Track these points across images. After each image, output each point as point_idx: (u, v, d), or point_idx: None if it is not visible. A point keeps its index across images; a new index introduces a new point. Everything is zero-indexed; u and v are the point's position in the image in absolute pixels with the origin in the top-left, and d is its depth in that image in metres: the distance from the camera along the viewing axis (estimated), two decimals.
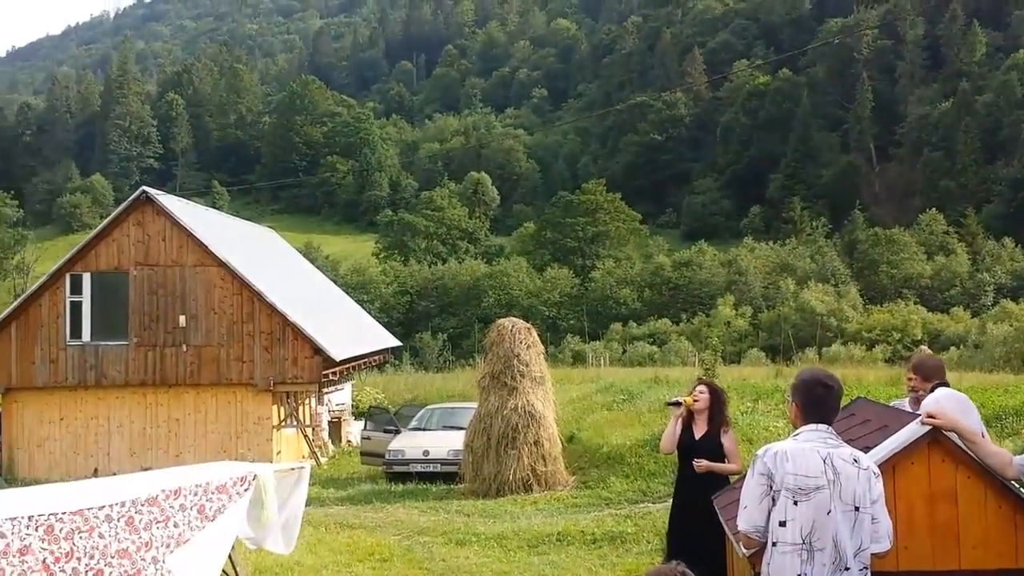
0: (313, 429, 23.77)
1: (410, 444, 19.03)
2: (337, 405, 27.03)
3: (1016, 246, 67.09)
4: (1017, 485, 4.47)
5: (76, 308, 21.76)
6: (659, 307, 65.76)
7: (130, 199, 22.28)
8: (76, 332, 21.77)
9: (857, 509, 3.86)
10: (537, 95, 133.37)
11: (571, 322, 63.72)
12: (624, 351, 54.64)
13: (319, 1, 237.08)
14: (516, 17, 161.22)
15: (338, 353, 22.35)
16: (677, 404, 7.50)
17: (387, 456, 19.05)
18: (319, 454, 22.88)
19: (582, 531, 12.11)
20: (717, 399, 7.34)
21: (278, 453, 21.87)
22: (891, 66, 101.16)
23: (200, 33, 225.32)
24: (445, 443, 18.73)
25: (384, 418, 21.58)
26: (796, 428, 4.14)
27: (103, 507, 5.69)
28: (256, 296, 21.73)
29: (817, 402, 4.07)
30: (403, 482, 18.18)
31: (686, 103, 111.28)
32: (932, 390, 5.40)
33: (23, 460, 21.79)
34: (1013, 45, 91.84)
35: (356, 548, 11.83)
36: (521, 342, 17.01)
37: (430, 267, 76.24)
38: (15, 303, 23.09)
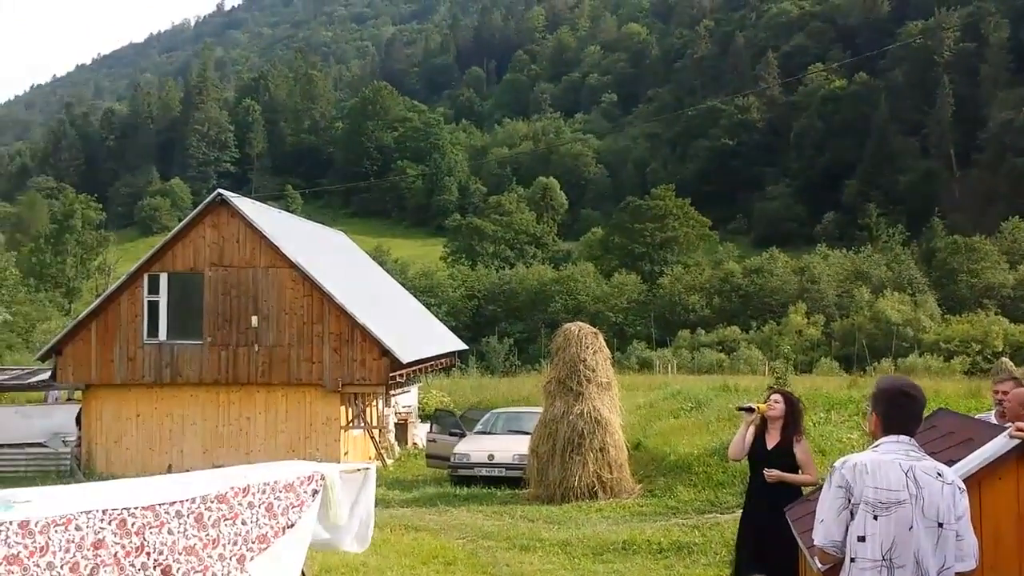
0: (380, 431, 23.91)
1: (475, 448, 19.04)
2: (404, 407, 27.17)
3: None
4: None
5: (153, 307, 22.21)
6: (728, 314, 64.84)
7: (206, 202, 22.68)
8: (153, 331, 22.21)
9: (941, 525, 3.70)
10: (607, 100, 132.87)
11: (638, 328, 63.24)
12: (692, 358, 54.00)
13: (392, 8, 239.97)
14: (587, 22, 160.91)
15: (405, 355, 22.44)
16: (749, 410, 7.32)
17: (452, 459, 19.09)
18: (385, 455, 22.99)
19: (648, 540, 11.97)
20: (793, 408, 7.17)
21: (345, 454, 22.02)
22: (974, 69, 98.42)
23: (277, 40, 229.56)
24: (510, 447, 18.71)
25: (450, 421, 21.63)
26: (876, 439, 3.98)
27: (174, 503, 5.74)
28: (326, 298, 21.93)
29: (899, 412, 3.91)
30: (468, 486, 18.22)
31: (759, 107, 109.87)
32: None
33: (101, 456, 22.28)
34: None
35: (420, 551, 11.83)
36: (587, 347, 16.90)
37: (497, 272, 76.27)
38: (95, 302, 23.65)
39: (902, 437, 3.87)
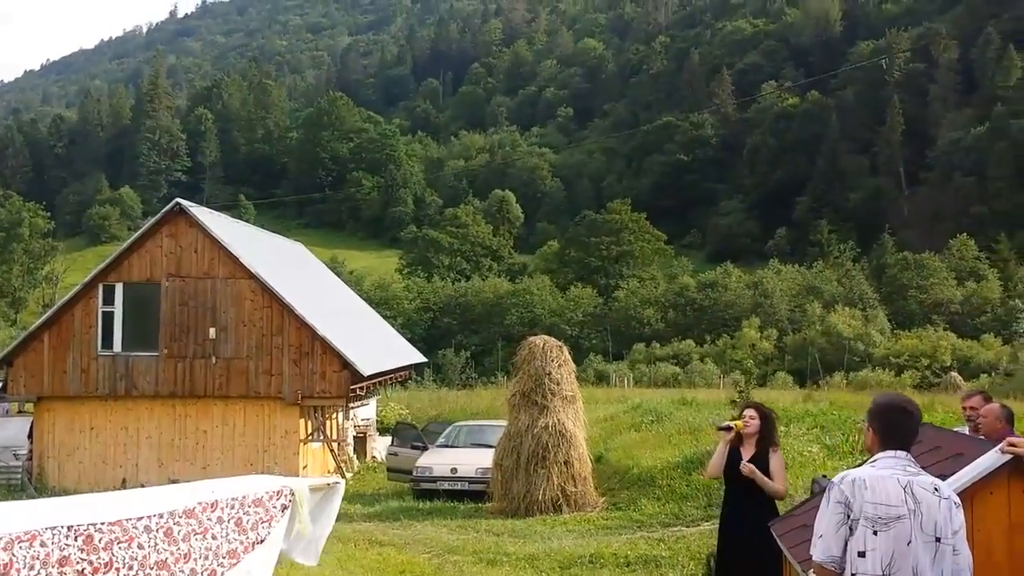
0: (339, 444, 23.70)
1: (438, 461, 18.93)
2: (362, 420, 26.98)
3: None
4: None
5: (108, 318, 21.81)
6: (683, 328, 65.34)
7: (163, 211, 22.37)
8: (108, 342, 21.81)
9: (938, 540, 3.72)
10: (563, 114, 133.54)
11: (594, 341, 63.48)
12: (648, 372, 54.31)
13: (348, 18, 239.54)
14: (543, 36, 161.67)
15: (366, 368, 22.29)
16: (728, 429, 7.37)
17: (415, 473, 18.96)
18: (344, 469, 22.79)
19: (615, 554, 11.97)
20: (767, 421, 7.22)
21: (304, 467, 21.80)
22: (923, 89, 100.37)
23: (230, 49, 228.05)
24: (473, 461, 18.63)
25: (411, 434, 21.50)
26: (872, 455, 4.01)
27: (141, 518, 5.64)
28: (286, 309, 21.72)
29: (896, 428, 3.94)
30: (430, 499, 18.11)
31: (713, 124, 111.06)
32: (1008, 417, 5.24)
33: (53, 469, 21.81)
34: None
35: (386, 566, 11.74)
36: (552, 360, 16.90)
37: (453, 284, 76.25)
38: (49, 312, 23.21)
39: (899, 452, 3.89)
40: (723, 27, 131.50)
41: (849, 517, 3.79)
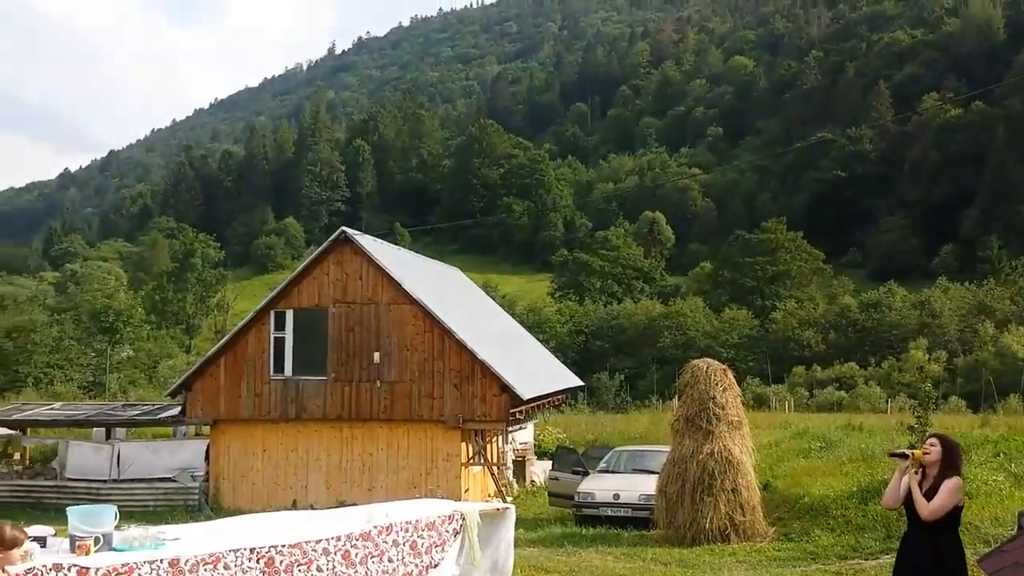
0: (499, 468, 23.80)
1: (600, 487, 18.70)
2: (521, 444, 27.02)
3: None
4: None
5: (279, 343, 22.59)
6: (845, 350, 63.14)
7: (330, 239, 23.06)
8: (279, 367, 22.59)
9: None
10: (712, 133, 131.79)
11: (750, 364, 61.94)
12: (810, 395, 52.65)
13: (497, 48, 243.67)
14: (692, 56, 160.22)
15: (525, 392, 22.33)
16: (904, 456, 6.93)
17: (576, 498, 18.77)
18: (504, 493, 22.85)
19: None
20: (948, 452, 6.64)
21: (466, 491, 21.96)
22: None
23: (385, 82, 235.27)
24: (635, 487, 18.33)
25: (572, 459, 21.35)
26: None
27: (320, 540, 5.75)
28: (446, 334, 22.00)
29: None
30: (593, 525, 17.89)
31: (871, 138, 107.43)
32: None
33: (227, 490, 22.68)
34: None
35: None
36: (717, 384, 16.46)
37: (605, 307, 75.95)
38: (224, 339, 24.20)
39: None
40: (879, 39, 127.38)
41: None
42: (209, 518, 19.93)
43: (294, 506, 21.10)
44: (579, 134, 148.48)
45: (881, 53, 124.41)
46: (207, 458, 23.27)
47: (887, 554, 13.06)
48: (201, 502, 22.58)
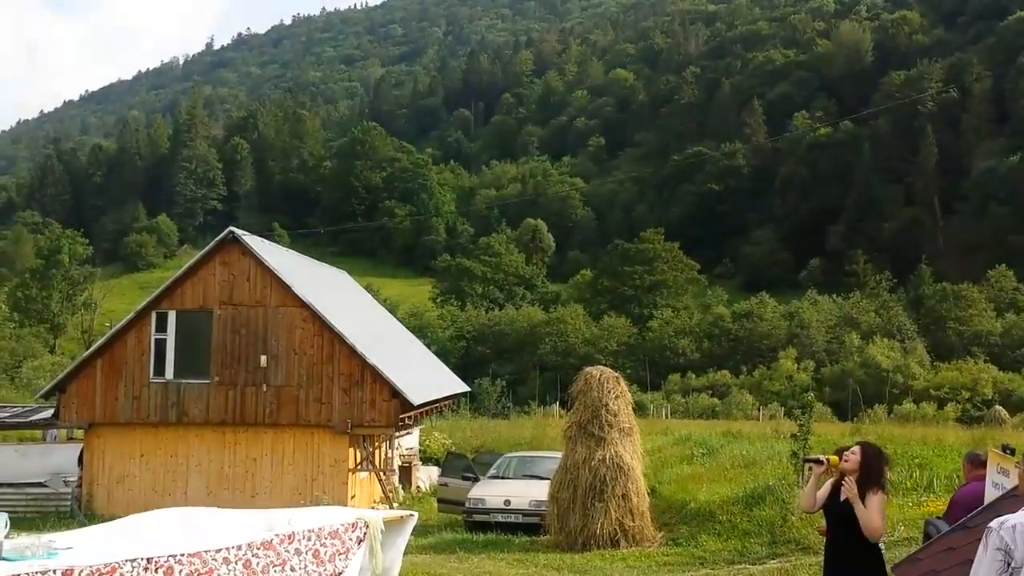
0: (386, 473, 23.60)
1: (490, 493, 18.74)
2: (407, 449, 26.87)
3: None
4: None
5: (160, 345, 21.91)
6: (719, 358, 65.05)
7: (217, 239, 22.48)
8: (160, 369, 21.90)
9: None
10: (594, 144, 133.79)
11: (628, 371, 62.88)
12: (686, 402, 53.96)
13: (381, 50, 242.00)
14: (574, 67, 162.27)
15: (415, 397, 22.21)
16: (819, 462, 7.09)
17: (467, 504, 18.78)
18: (391, 499, 22.68)
19: None
20: (868, 460, 6.72)
21: (352, 497, 21.72)
22: (956, 119, 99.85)
23: (265, 80, 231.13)
24: (526, 493, 18.42)
25: (462, 464, 21.33)
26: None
27: (220, 550, 5.58)
28: (336, 338, 21.72)
29: None
30: (484, 531, 17.91)
31: (745, 154, 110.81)
32: None
33: (102, 496, 21.85)
34: None
35: None
36: (609, 391, 16.72)
37: (487, 312, 76.31)
38: (102, 339, 23.35)
39: None
40: (753, 57, 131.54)
41: (1010, 565, 3.56)
42: (82, 525, 19.17)
43: None
44: (462, 140, 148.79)
45: (755, 71, 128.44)
46: (81, 463, 22.38)
47: (774, 559, 13.47)
48: (74, 508, 21.69)
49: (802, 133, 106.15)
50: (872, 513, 6.60)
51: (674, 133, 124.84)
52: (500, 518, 18.18)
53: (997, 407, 44.10)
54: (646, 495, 16.61)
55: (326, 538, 6.28)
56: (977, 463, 8.32)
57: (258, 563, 5.76)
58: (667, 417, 44.37)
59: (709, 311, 72.81)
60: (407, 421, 22.77)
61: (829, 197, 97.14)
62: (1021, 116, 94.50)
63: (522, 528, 17.86)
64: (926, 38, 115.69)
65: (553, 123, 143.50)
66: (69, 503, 21.96)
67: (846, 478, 6.65)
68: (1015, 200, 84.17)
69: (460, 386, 30.91)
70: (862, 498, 6.67)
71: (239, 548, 5.69)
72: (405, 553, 16.10)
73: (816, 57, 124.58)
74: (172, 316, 22.00)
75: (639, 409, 47.64)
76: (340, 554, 6.41)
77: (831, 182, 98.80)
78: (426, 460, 28.54)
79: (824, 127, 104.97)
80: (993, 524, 3.70)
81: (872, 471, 6.75)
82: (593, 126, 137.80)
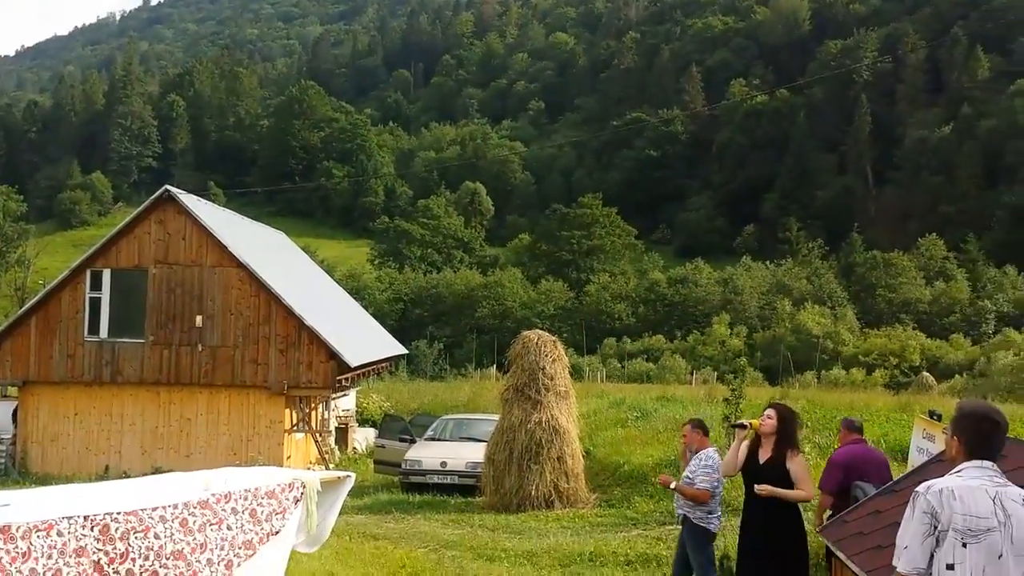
0: (322, 434, 23.60)
1: (427, 454, 18.85)
2: (343, 411, 26.86)
3: (1019, 273, 66.38)
4: None
5: (95, 304, 21.61)
6: (653, 323, 65.70)
7: (152, 198, 22.15)
8: (94, 328, 21.63)
9: None
10: (534, 107, 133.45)
11: (564, 335, 63.26)
12: (621, 366, 54.51)
13: (319, 8, 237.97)
14: (515, 30, 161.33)
15: (352, 359, 22.20)
16: (743, 427, 7.31)
17: (404, 466, 18.87)
18: (327, 460, 22.72)
19: (615, 552, 11.91)
20: (784, 422, 7.06)
21: (288, 457, 21.71)
22: (891, 89, 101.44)
23: (202, 36, 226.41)
24: (463, 455, 18.57)
25: (399, 426, 21.40)
26: (956, 464, 3.90)
27: (157, 508, 5.61)
28: (273, 299, 21.59)
29: (983, 438, 3.84)
30: (420, 493, 18.04)
31: (683, 120, 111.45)
32: None
33: (36, 454, 21.58)
34: (1018, 70, 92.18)
35: (385, 560, 11.62)
36: (547, 355, 16.89)
37: (425, 275, 76.11)
38: (36, 297, 22.96)
39: (985, 462, 3.80)
40: (693, 24, 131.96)
41: (936, 528, 3.69)
42: (17, 483, 18.92)
43: (106, 472, 20.32)
44: (401, 101, 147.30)
45: (694, 38, 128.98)
46: (15, 420, 22.04)
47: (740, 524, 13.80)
48: (8, 466, 21.38)
49: (739, 101, 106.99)
50: (800, 481, 6.84)
51: (613, 98, 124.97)
52: (436, 479, 18.31)
53: (924, 373, 45.28)
54: (581, 457, 16.86)
55: (263, 498, 6.32)
56: (852, 428, 8.79)
57: (195, 522, 5.80)
58: (603, 381, 44.79)
59: (645, 276, 73.41)
60: (344, 383, 22.76)
61: (765, 165, 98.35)
62: (954, 87, 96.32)
63: (458, 489, 18.02)
64: (863, 7, 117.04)
65: (493, 86, 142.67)
66: (3, 461, 21.66)
67: (757, 486, 6.86)
68: (946, 170, 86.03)
69: (397, 348, 30.91)
70: (783, 461, 6.91)
71: (175, 507, 5.71)
72: (341, 513, 16.06)
73: (754, 25, 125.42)
74: (107, 275, 21.68)
75: (575, 373, 48.08)
76: (277, 513, 6.47)
77: (767, 150, 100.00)
78: (363, 422, 28.58)
79: (761, 95, 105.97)
80: (920, 488, 3.82)
81: (788, 431, 7.02)
82: (533, 90, 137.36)
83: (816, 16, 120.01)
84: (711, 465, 7.99)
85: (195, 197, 23.97)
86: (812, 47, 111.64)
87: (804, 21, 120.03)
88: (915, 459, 8.38)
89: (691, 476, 8.04)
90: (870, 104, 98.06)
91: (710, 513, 7.99)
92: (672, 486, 8.20)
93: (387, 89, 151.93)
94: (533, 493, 15.98)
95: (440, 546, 12.89)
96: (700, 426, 8.45)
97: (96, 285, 21.66)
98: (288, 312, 21.52)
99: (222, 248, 21.57)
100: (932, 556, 3.72)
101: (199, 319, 21.49)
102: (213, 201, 45.41)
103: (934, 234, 74.11)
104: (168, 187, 22.40)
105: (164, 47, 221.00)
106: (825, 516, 7.92)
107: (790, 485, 6.84)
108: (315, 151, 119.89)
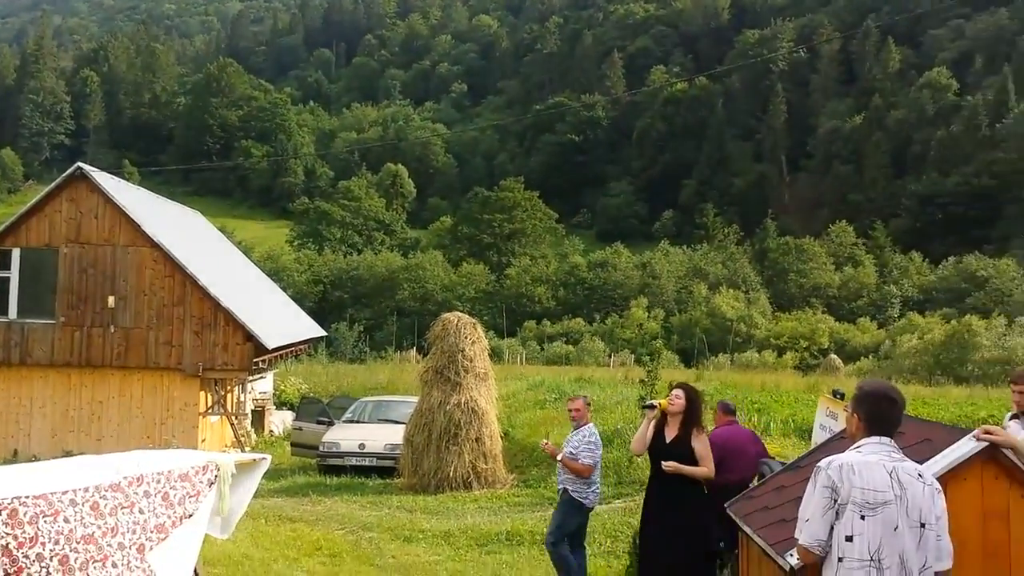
0: (238, 417, 23.32)
1: (345, 437, 18.80)
2: (260, 393, 26.57)
3: (923, 260, 68.77)
4: None
5: (3, 284, 20.96)
6: (573, 306, 66.20)
7: (64, 175, 21.52)
8: (2, 309, 20.97)
9: (923, 526, 3.81)
10: (457, 90, 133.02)
11: (485, 318, 63.52)
12: (541, 349, 54.85)
13: None
14: (438, 11, 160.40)
15: (270, 341, 21.95)
16: (652, 407, 7.45)
17: (321, 448, 18.79)
18: (243, 443, 22.46)
19: (531, 531, 12.03)
20: (691, 403, 7.27)
21: (203, 440, 21.41)
22: (805, 79, 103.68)
23: (118, 11, 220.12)
24: (381, 436, 18.57)
25: (316, 409, 21.29)
26: (856, 441, 4.08)
27: (67, 491, 5.53)
28: (188, 279, 21.20)
29: (881, 415, 4.02)
30: (338, 475, 18.00)
31: (604, 106, 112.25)
32: None
33: None
34: (926, 63, 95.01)
35: (301, 542, 11.61)
36: (466, 337, 16.99)
37: (345, 257, 75.46)
38: None
39: (883, 439, 3.98)
40: (615, 10, 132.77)
41: (836, 502, 3.85)
42: None
43: (15, 456, 19.79)
44: (322, 80, 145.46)
45: (616, 24, 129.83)
46: None
47: (619, 499, 14.04)
48: None
49: (659, 87, 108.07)
50: (703, 459, 7.07)
51: (536, 82, 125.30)
52: (354, 461, 18.27)
53: (832, 356, 46.53)
54: (499, 439, 17.02)
55: (176, 480, 6.25)
56: (727, 411, 9.34)
57: (106, 505, 5.71)
58: (522, 363, 45.10)
59: (566, 260, 73.85)
60: (261, 365, 22.52)
61: (684, 151, 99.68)
62: (866, 78, 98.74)
63: (376, 471, 18.04)
64: None
65: (416, 67, 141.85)
66: None
67: (664, 462, 7.05)
68: (857, 159, 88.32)
69: (316, 331, 30.64)
70: (688, 439, 7.11)
71: (86, 490, 5.62)
72: (257, 496, 15.94)
73: (675, 13, 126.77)
74: (16, 254, 21.04)
75: (495, 355, 48.28)
76: (190, 496, 6.40)
77: (686, 137, 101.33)
78: (281, 405, 28.32)
79: (680, 82, 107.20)
80: (821, 464, 3.99)
81: (695, 411, 7.23)
82: (456, 72, 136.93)
83: (735, 5, 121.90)
84: (594, 442, 8.58)
85: (108, 175, 23.36)
86: (730, 36, 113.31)
87: (723, 10, 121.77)
88: (819, 436, 8.67)
89: (574, 452, 8.52)
90: (785, 94, 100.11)
91: (588, 486, 8.52)
92: (558, 457, 8.67)
93: (308, 68, 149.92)
94: (451, 474, 16.09)
95: (358, 527, 12.88)
96: (587, 403, 9.03)
97: (4, 264, 20.99)
98: (204, 293, 21.17)
99: (136, 227, 21.09)
100: (832, 528, 3.88)
101: (111, 300, 21.00)
102: (127, 180, 44.33)
103: (844, 221, 76.07)
104: (81, 165, 21.79)
105: (78, 21, 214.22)
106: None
107: (694, 462, 7.06)
108: (233, 130, 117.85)
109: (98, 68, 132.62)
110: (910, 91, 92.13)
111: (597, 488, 8.70)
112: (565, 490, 8.60)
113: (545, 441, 9.91)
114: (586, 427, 8.69)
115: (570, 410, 9.04)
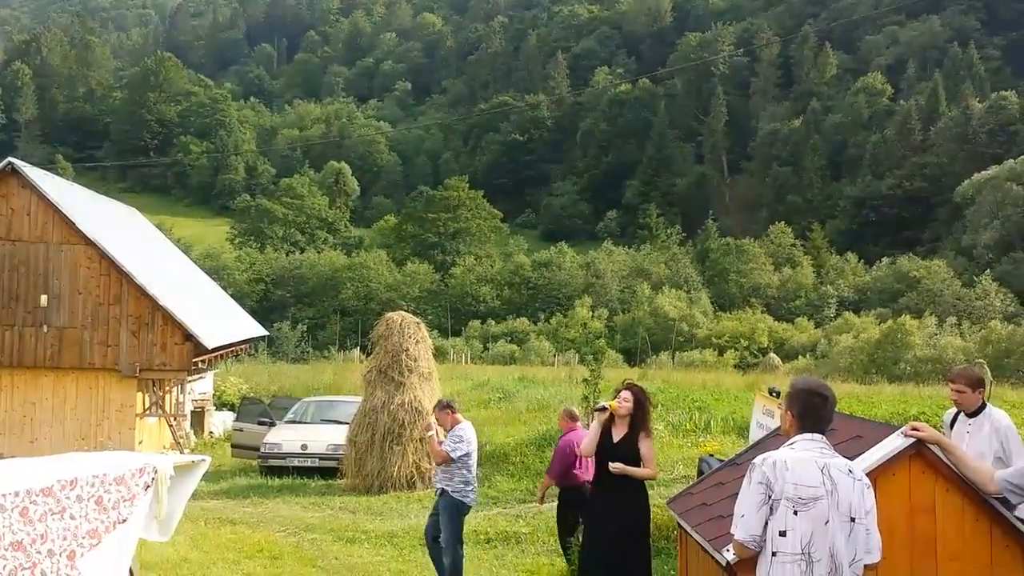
0: (176, 419, 22.97)
1: (287, 437, 18.63)
2: (200, 394, 26.21)
3: (859, 261, 70.19)
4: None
5: None
6: (518, 306, 66.36)
7: None
8: None
9: (853, 520, 3.90)
10: (400, 88, 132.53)
11: (430, 318, 63.48)
12: (485, 348, 54.86)
13: None
14: (382, 8, 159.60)
15: (210, 340, 21.64)
16: (603, 410, 7.48)
17: (262, 449, 18.58)
18: (182, 445, 22.13)
19: (475, 531, 12.01)
20: (640, 405, 7.30)
21: (140, 442, 21.03)
22: (746, 82, 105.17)
23: (51, 2, 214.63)
24: (324, 437, 18.44)
25: (257, 409, 21.04)
26: (790, 437, 4.17)
27: None
28: (125, 278, 20.80)
29: (813, 412, 4.11)
30: (279, 476, 17.83)
31: (548, 106, 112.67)
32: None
33: None
34: (862, 68, 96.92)
35: (242, 545, 11.47)
36: (410, 337, 16.91)
37: (287, 256, 74.75)
38: None
39: (816, 435, 4.08)
40: (560, 11, 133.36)
41: (770, 497, 3.94)
42: None
43: None
44: (264, 76, 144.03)
45: (561, 24, 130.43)
46: None
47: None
48: None
49: (603, 88, 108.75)
50: (647, 461, 7.12)
51: (481, 82, 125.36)
52: (297, 462, 18.11)
53: (771, 355, 47.24)
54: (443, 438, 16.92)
55: (111, 484, 6.10)
56: (571, 418, 9.82)
57: (36, 511, 5.56)
58: (467, 363, 45.09)
59: (510, 259, 73.98)
60: (200, 365, 22.18)
61: (627, 152, 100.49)
62: (804, 82, 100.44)
63: (319, 472, 17.90)
64: (722, 2, 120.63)
65: (360, 64, 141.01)
66: None
67: (611, 464, 7.07)
68: (795, 162, 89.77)
69: (257, 330, 30.27)
70: (636, 440, 7.16)
71: (16, 495, 5.47)
72: (196, 499, 15.66)
73: (619, 15, 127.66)
74: None
75: (440, 355, 48.30)
76: (125, 500, 6.26)
77: (629, 138, 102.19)
78: (221, 406, 27.96)
79: (624, 84, 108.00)
80: (756, 460, 4.08)
81: (643, 412, 7.27)
82: (400, 70, 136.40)
83: (677, 9, 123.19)
84: (460, 435, 9.01)
85: (41, 171, 22.85)
86: (673, 39, 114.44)
87: (666, 13, 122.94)
88: (755, 434, 8.79)
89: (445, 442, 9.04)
90: (726, 96, 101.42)
91: (466, 484, 8.93)
92: (428, 435, 9.44)
93: (249, 64, 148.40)
94: (395, 474, 16.02)
95: (300, 529, 12.77)
96: (448, 407, 9.43)
97: None
98: (141, 292, 20.80)
99: (69, 225, 20.64)
100: (767, 524, 3.97)
101: (44, 299, 20.53)
102: (61, 175, 43.42)
103: (783, 222, 77.23)
104: (12, 159, 21.24)
105: (9, 11, 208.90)
106: (547, 492, 9.98)
107: (640, 463, 7.11)
108: (172, 126, 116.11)
109: (30, 61, 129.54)
110: (846, 95, 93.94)
111: (474, 488, 9.09)
112: (444, 491, 8.93)
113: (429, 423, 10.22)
114: (459, 425, 9.19)
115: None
